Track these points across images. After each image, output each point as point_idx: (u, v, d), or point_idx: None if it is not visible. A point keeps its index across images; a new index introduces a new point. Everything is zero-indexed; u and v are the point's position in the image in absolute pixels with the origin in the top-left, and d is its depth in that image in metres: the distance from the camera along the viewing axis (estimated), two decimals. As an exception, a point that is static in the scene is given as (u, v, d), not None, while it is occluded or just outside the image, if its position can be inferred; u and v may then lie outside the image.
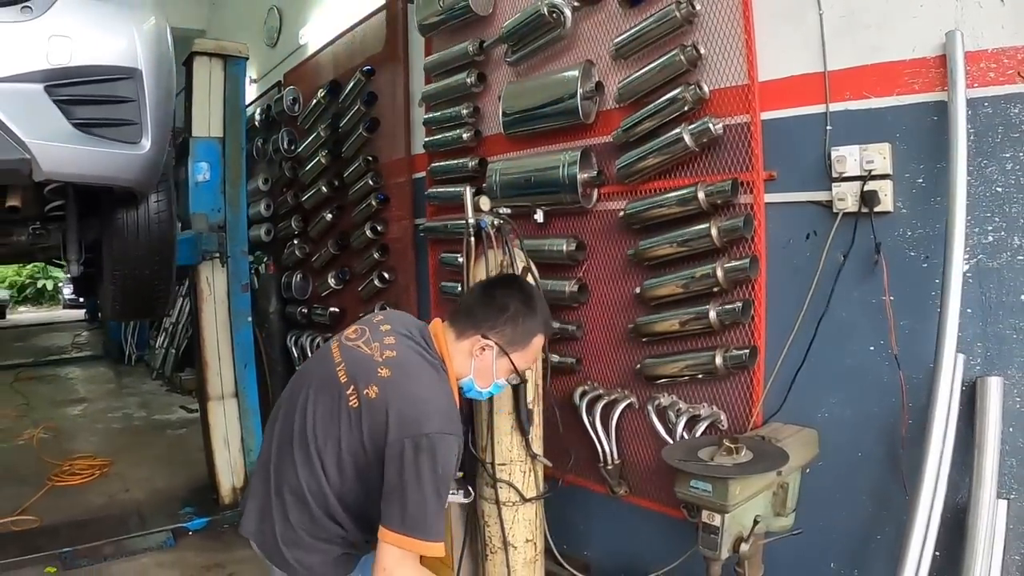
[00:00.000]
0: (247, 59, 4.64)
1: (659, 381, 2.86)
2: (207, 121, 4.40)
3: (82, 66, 2.14)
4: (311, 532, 1.78)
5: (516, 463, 2.66)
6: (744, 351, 2.51)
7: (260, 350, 5.35)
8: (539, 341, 1.92)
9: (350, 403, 1.75)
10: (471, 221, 2.63)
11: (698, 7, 2.58)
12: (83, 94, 2.18)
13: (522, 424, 2.61)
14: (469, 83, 3.67)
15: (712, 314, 2.56)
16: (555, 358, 3.32)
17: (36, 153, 2.11)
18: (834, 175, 2.28)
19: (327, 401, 1.79)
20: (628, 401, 3.01)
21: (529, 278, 2.58)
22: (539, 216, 3.32)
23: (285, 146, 5.57)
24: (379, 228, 4.68)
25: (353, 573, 1.89)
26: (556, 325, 3.30)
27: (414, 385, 1.74)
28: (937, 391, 1.85)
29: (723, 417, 2.65)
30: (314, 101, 5.20)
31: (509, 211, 2.72)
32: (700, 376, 2.69)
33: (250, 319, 4.73)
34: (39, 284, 22.81)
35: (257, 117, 6.27)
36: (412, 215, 4.43)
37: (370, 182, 4.69)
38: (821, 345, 2.37)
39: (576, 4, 3.02)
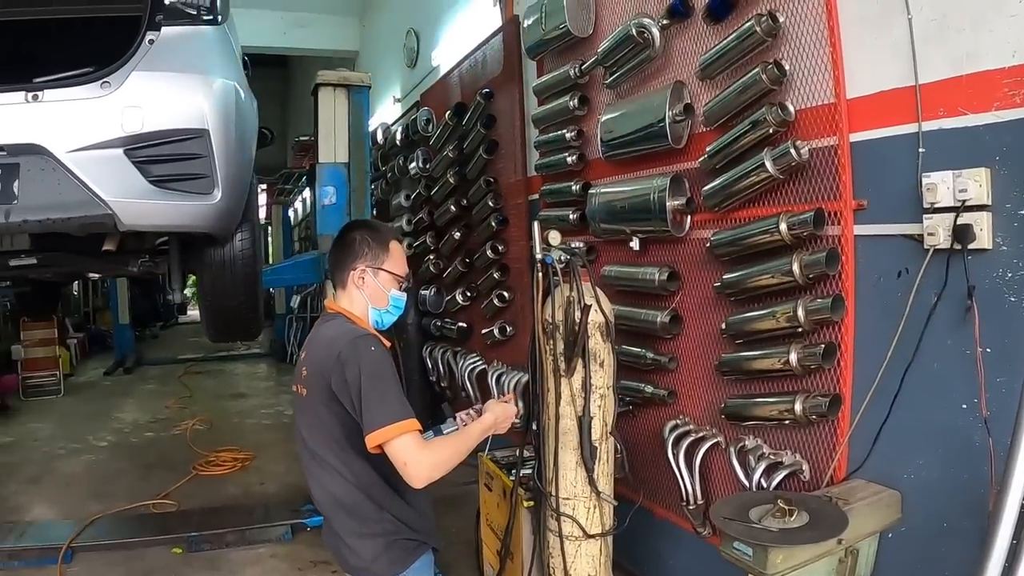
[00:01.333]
0: (369, 88, 4.91)
1: (746, 423, 2.67)
2: (333, 147, 4.72)
3: (153, 131, 2.44)
4: (355, 532, 1.94)
5: (580, 499, 2.58)
6: (825, 399, 2.28)
7: (397, 360, 5.62)
8: (395, 245, 2.11)
9: (304, 396, 1.98)
10: (537, 256, 2.59)
11: (781, 19, 2.38)
12: (157, 154, 2.46)
13: (586, 460, 2.54)
14: (572, 106, 3.64)
15: (793, 357, 2.35)
16: (648, 389, 3.21)
17: (116, 210, 2.43)
18: (925, 205, 2.00)
19: (300, 416, 2.03)
20: (715, 440, 2.84)
21: (595, 314, 2.50)
22: (635, 244, 3.23)
23: (420, 165, 5.83)
24: (500, 248, 4.76)
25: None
26: (650, 356, 3.19)
27: (322, 338, 1.99)
28: (1015, 469, 1.55)
29: (805, 467, 2.42)
30: (443, 122, 5.40)
31: (582, 245, 2.65)
32: (787, 421, 2.47)
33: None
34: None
35: (398, 136, 6.60)
36: (528, 236, 4.43)
37: (490, 203, 4.79)
38: (910, 398, 2.10)
39: (665, 23, 2.90)
